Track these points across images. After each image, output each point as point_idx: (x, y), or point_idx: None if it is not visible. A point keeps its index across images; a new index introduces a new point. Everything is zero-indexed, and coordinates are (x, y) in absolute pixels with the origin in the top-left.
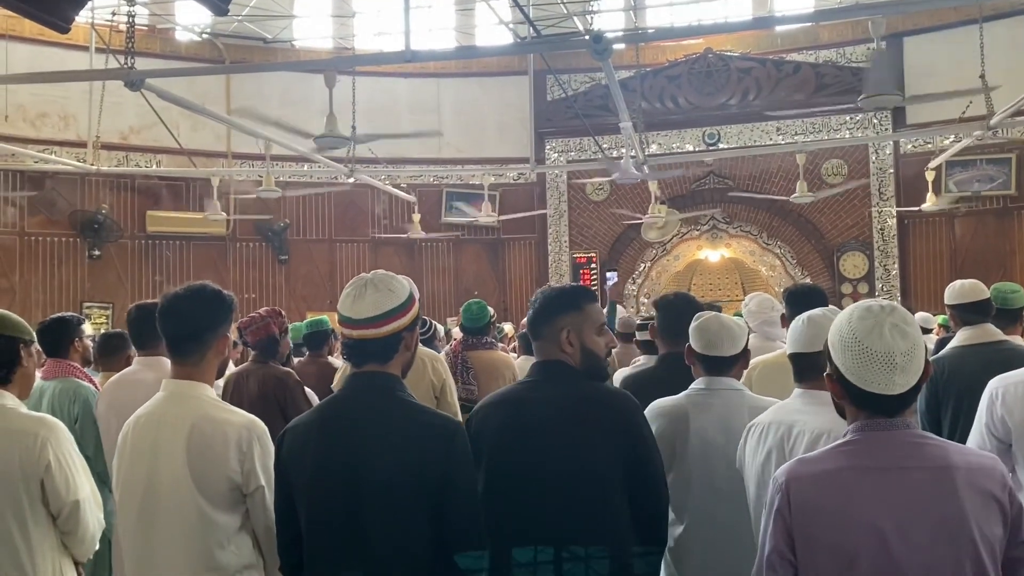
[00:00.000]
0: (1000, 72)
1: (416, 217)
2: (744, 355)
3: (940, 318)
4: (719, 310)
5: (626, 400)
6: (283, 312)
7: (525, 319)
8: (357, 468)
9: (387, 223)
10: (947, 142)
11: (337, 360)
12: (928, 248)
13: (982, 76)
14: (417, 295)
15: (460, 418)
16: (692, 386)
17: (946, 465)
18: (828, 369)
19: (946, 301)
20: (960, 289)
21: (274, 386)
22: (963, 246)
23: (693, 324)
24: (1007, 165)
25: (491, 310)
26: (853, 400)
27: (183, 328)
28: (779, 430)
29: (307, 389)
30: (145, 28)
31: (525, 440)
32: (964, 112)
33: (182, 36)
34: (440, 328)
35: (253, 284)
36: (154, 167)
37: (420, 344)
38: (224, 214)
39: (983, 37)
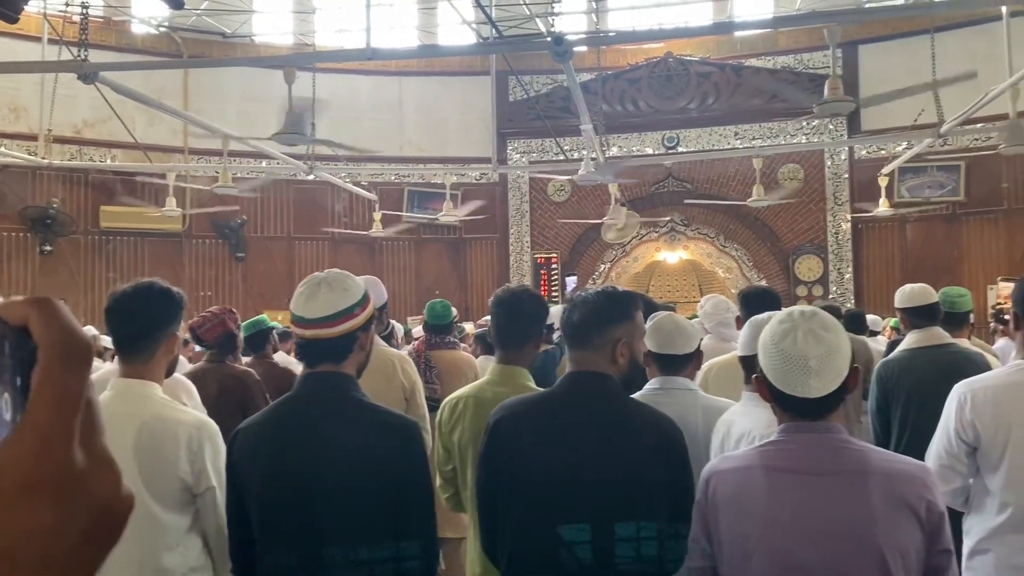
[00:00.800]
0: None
1: (377, 215)
2: (697, 355)
3: (891, 321)
4: (673, 310)
5: (672, 426)
6: (234, 310)
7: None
8: (311, 469)
9: (347, 221)
10: (899, 149)
11: (284, 358)
12: (880, 252)
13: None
14: (385, 296)
15: (427, 418)
16: (647, 386)
17: (862, 470)
18: (757, 371)
19: (896, 305)
20: (910, 293)
21: (234, 386)
22: (914, 250)
23: (648, 324)
24: (956, 172)
25: (454, 310)
26: (777, 402)
27: (132, 326)
28: (720, 431)
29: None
30: (100, 20)
31: (559, 455)
32: (916, 120)
33: (138, 29)
34: (399, 327)
35: (209, 281)
36: (108, 161)
37: (387, 346)
38: (180, 210)
39: (935, 47)
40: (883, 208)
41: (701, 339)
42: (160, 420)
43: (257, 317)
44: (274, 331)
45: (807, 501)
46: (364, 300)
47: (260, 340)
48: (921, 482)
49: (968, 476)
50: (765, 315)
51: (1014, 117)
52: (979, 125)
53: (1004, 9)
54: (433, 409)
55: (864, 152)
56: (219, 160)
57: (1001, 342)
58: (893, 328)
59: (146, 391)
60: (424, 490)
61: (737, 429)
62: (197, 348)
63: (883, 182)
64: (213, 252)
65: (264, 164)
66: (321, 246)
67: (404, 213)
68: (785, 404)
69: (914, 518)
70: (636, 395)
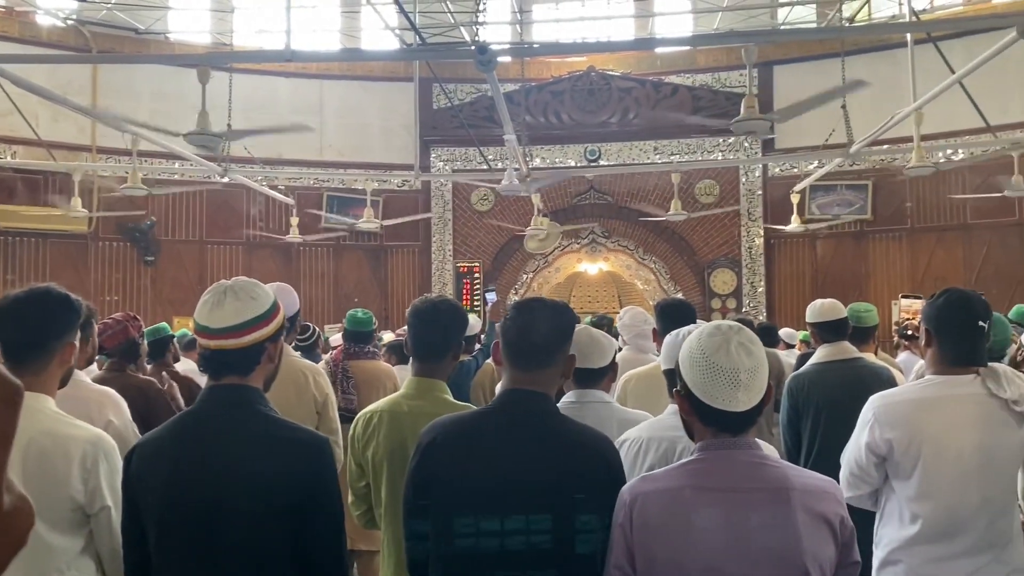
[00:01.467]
0: (859, 103)
1: (294, 220)
2: (612, 368)
3: (802, 334)
4: (610, 322)
5: (610, 445)
6: (136, 316)
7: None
8: (211, 488)
9: (263, 225)
10: (811, 167)
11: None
12: (792, 267)
13: (843, 106)
14: (297, 305)
15: (340, 432)
16: (563, 399)
17: (784, 487)
18: (678, 386)
19: (807, 319)
20: (820, 308)
21: (135, 396)
22: (823, 266)
23: None
24: (864, 191)
25: (375, 319)
26: (700, 416)
27: (24, 335)
28: (661, 446)
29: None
30: (2, 10)
31: (497, 478)
32: (827, 139)
33: (44, 20)
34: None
35: (116, 286)
36: (8, 159)
37: (300, 356)
38: (86, 211)
39: (845, 70)
40: (795, 225)
41: (617, 351)
42: (50, 436)
43: (157, 325)
44: (175, 339)
45: (737, 519)
46: (273, 309)
47: (160, 348)
48: (835, 498)
49: (877, 484)
50: (686, 328)
51: (918, 140)
52: (885, 147)
53: (909, 36)
54: (347, 421)
55: (777, 170)
56: (128, 160)
57: (903, 355)
58: (803, 341)
59: (36, 404)
60: (333, 512)
61: (691, 445)
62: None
63: (795, 199)
64: (120, 255)
65: (176, 165)
66: (235, 251)
67: (323, 214)
68: (709, 418)
69: (831, 533)
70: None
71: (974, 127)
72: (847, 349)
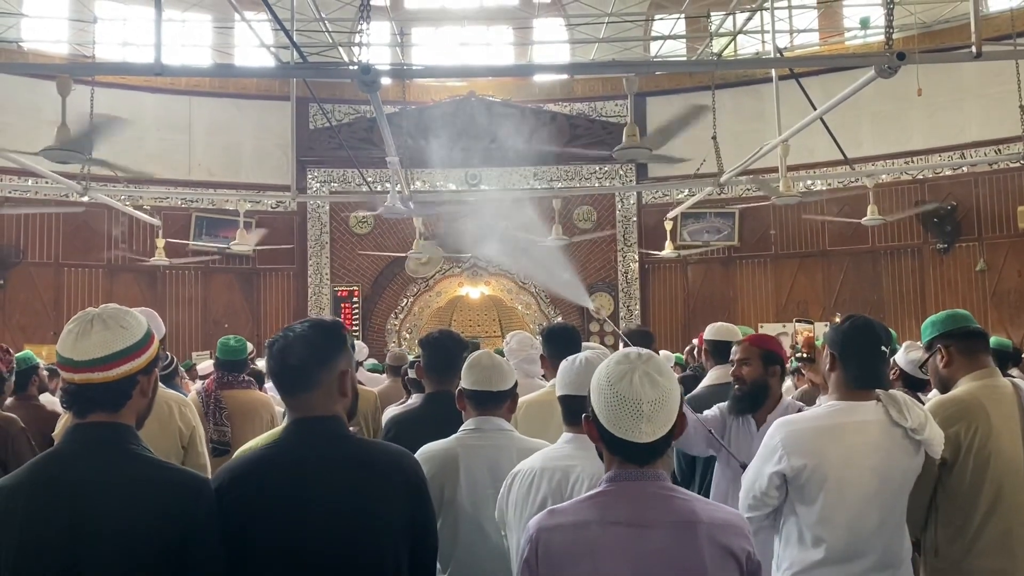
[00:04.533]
0: (728, 135)
1: (160, 242)
2: (512, 394)
3: (676, 356)
4: (477, 346)
5: (411, 460)
6: (9, 349)
7: (272, 361)
8: (77, 538)
9: (126, 247)
10: (682, 196)
11: (51, 400)
12: (666, 291)
13: (714, 138)
14: (162, 330)
15: (209, 468)
16: (463, 427)
17: (691, 520)
18: (588, 411)
19: (705, 336)
20: (717, 329)
21: None
22: (695, 290)
23: (466, 363)
24: (731, 219)
25: (250, 346)
26: (606, 445)
27: None
28: (554, 477)
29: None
30: None
31: (299, 515)
32: (698, 169)
33: None
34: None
35: None
36: None
37: (164, 386)
38: None
39: (715, 103)
40: (668, 250)
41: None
42: None
43: (21, 354)
44: (40, 369)
45: (644, 554)
46: (146, 339)
47: (23, 379)
48: (742, 533)
49: (777, 505)
50: (583, 355)
51: (783, 170)
52: (751, 176)
53: (774, 72)
54: (222, 454)
55: (651, 197)
56: None
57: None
58: (678, 364)
59: None
60: (214, 558)
61: (587, 474)
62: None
63: (668, 226)
64: None
65: (31, 183)
66: (95, 274)
67: (191, 240)
68: (615, 447)
69: (736, 567)
70: (452, 437)
71: (832, 159)
72: None
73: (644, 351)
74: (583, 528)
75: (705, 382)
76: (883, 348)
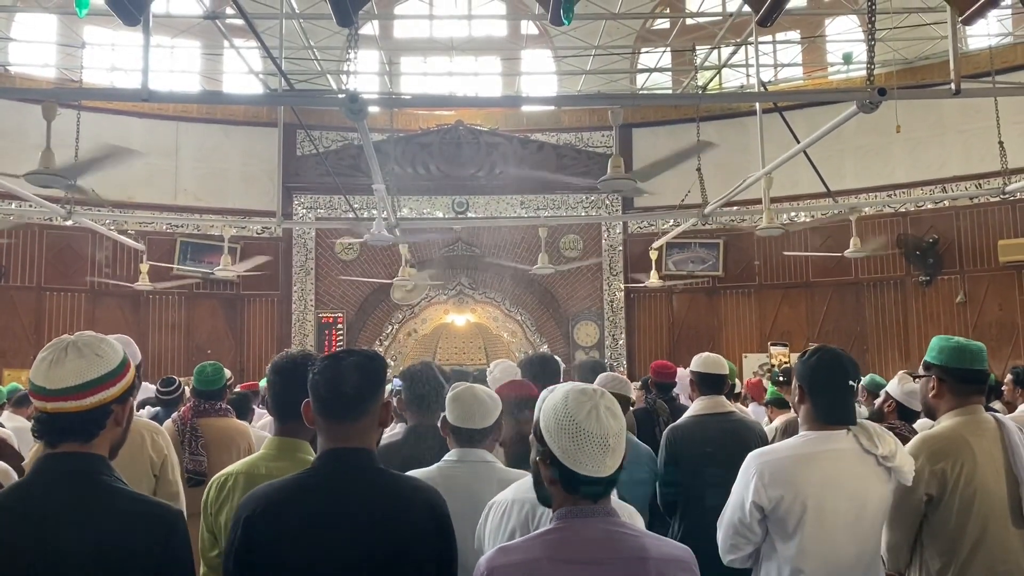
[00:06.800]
0: (712, 166)
1: (144, 267)
2: (496, 427)
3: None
4: (483, 378)
5: (437, 496)
6: None
7: (323, 388)
8: (45, 572)
9: (109, 271)
10: (667, 226)
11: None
12: (651, 320)
13: (698, 169)
14: (138, 357)
15: (183, 497)
16: (445, 457)
17: (642, 557)
18: (535, 452)
19: (691, 367)
20: (705, 360)
21: None
22: (680, 319)
23: (448, 396)
24: (716, 249)
25: (228, 372)
26: (564, 484)
27: None
28: (523, 509)
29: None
30: None
31: (328, 547)
32: (683, 200)
33: None
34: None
35: None
36: None
37: (165, 414)
38: None
39: (700, 135)
40: (653, 280)
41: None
42: None
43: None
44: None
45: None
46: (122, 368)
47: None
48: (689, 567)
49: (759, 542)
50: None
51: (767, 202)
52: (736, 208)
53: (758, 106)
54: (198, 484)
55: (637, 227)
56: None
57: (751, 406)
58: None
59: None
60: None
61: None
62: None
63: (653, 255)
64: None
65: (14, 206)
66: (77, 298)
67: (175, 265)
68: (573, 486)
69: None
70: (433, 467)
71: (815, 192)
72: (722, 403)
73: (597, 386)
74: (535, 565)
75: (689, 412)
76: (851, 383)
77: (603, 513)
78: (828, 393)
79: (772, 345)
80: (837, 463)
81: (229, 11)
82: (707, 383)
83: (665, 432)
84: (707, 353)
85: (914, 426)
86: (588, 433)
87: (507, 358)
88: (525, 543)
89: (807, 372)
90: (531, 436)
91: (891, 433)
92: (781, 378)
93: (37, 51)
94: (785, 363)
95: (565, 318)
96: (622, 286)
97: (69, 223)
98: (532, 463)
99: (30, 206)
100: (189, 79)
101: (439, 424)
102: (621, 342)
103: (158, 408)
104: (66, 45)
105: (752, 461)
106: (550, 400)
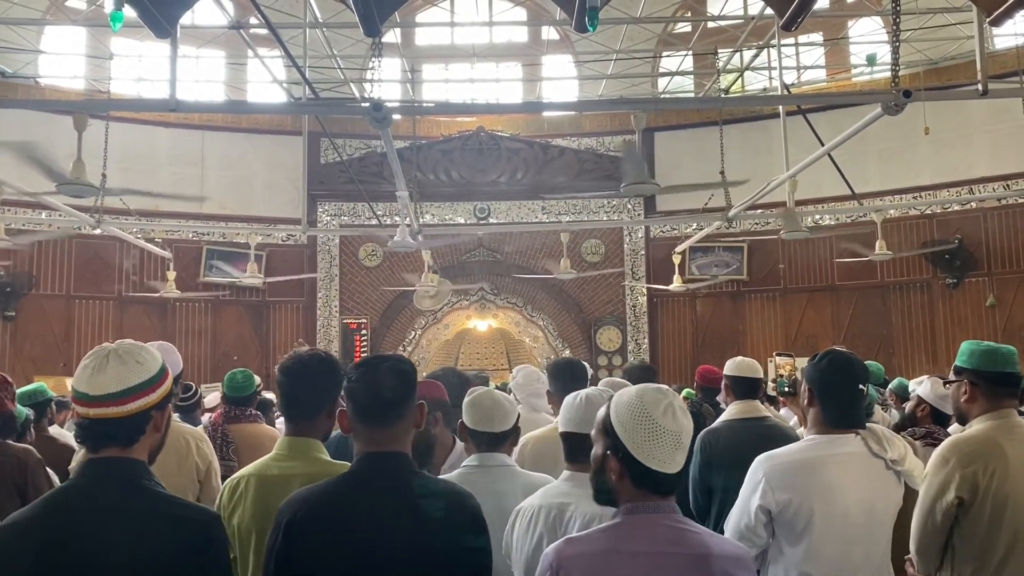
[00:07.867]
0: (735, 170)
1: (171, 275)
2: (515, 431)
3: (686, 391)
4: (486, 380)
5: (472, 500)
6: (10, 380)
7: (361, 394)
8: (89, 571)
9: (136, 280)
10: (690, 230)
11: (63, 433)
12: (674, 325)
13: (722, 172)
14: (180, 365)
15: None
16: (464, 463)
17: (705, 553)
18: (603, 447)
19: (725, 371)
20: (739, 364)
21: (13, 467)
22: (703, 324)
23: (466, 400)
24: (740, 253)
25: (257, 379)
26: (633, 478)
27: None
28: (550, 514)
29: (49, 471)
30: None
31: (368, 551)
32: (707, 203)
33: None
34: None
35: None
36: None
37: (182, 420)
38: None
39: (723, 138)
40: (676, 284)
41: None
42: None
43: (34, 386)
44: (53, 401)
45: None
46: (161, 375)
47: (38, 412)
48: (748, 566)
49: (765, 545)
50: (584, 392)
51: (791, 205)
52: (759, 211)
53: (781, 109)
54: None
55: (659, 231)
56: None
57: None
58: (687, 398)
59: None
60: None
61: (580, 512)
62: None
63: (676, 260)
64: None
65: (44, 215)
66: (105, 306)
67: (202, 273)
68: (643, 480)
69: None
70: (454, 473)
71: (839, 194)
72: (757, 407)
73: (663, 386)
74: (604, 556)
75: (724, 416)
76: (861, 387)
77: (669, 509)
78: (836, 399)
79: (778, 355)
80: (846, 467)
81: (253, 20)
82: (741, 387)
83: (699, 436)
84: (741, 357)
85: (948, 430)
86: (664, 429)
87: (529, 363)
88: (593, 534)
89: (816, 375)
90: (592, 432)
91: (900, 437)
92: (788, 389)
93: (66, 63)
94: (793, 374)
95: (587, 323)
96: (645, 291)
97: (98, 231)
98: (595, 457)
99: (60, 215)
100: (214, 89)
101: (456, 428)
102: (644, 346)
103: (177, 414)
104: (94, 57)
105: (760, 465)
106: (623, 397)
